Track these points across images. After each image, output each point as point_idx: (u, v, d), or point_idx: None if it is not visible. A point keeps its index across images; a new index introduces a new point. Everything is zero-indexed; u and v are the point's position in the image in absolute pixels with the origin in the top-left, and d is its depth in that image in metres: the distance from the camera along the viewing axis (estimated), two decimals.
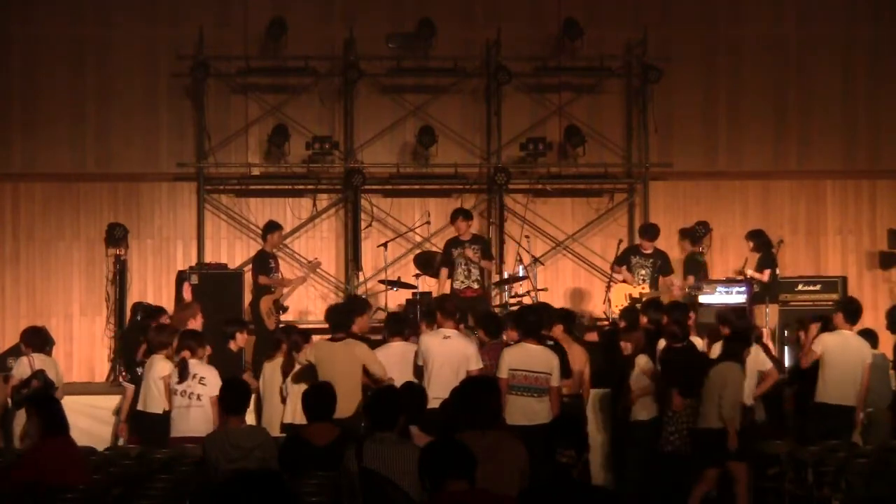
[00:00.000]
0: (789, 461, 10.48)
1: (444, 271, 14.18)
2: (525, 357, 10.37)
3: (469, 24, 16.52)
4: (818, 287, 15.02)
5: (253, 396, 10.87)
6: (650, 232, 14.78)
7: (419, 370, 10.84)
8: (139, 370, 11.44)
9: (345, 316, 11.13)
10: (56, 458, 7.85)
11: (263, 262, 14.38)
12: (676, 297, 13.88)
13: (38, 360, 11.58)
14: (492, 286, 15.40)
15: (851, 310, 11.88)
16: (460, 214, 14.32)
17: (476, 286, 14.06)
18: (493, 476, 5.53)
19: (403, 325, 11.61)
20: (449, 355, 10.54)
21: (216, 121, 16.13)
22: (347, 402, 9.87)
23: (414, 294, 14.28)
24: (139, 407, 11.06)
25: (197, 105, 16.09)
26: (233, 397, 8.66)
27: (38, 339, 11.86)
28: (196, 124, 16.13)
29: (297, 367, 10.87)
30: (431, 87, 16.43)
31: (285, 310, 14.43)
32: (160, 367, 10.94)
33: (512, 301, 14.41)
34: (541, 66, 16.38)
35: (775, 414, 11.89)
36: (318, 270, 15.50)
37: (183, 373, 10.66)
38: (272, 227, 14.73)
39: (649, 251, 14.53)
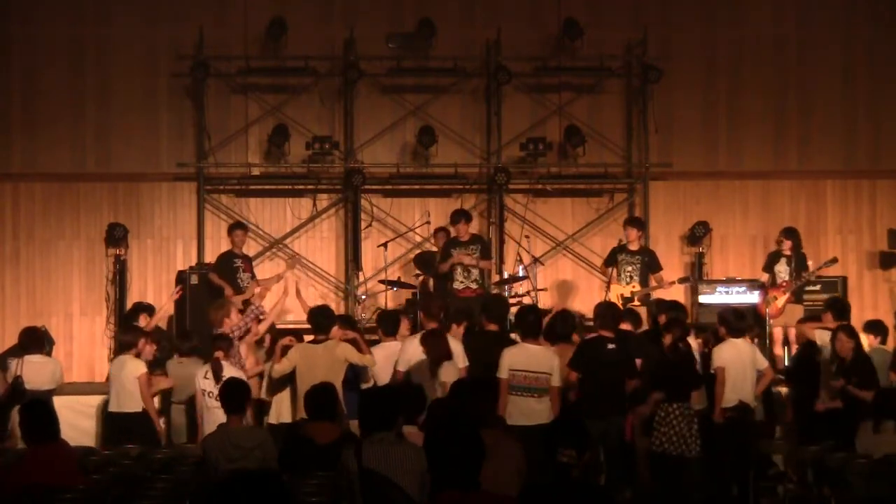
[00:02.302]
0: (789, 461, 10.49)
1: (443, 267, 14.16)
2: (525, 357, 10.37)
3: (469, 24, 16.53)
4: (818, 287, 15.01)
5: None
6: (634, 222, 14.75)
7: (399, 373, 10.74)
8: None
9: (326, 318, 11.09)
10: (44, 463, 7.85)
11: (225, 263, 14.23)
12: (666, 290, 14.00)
13: (30, 363, 11.51)
14: (492, 286, 15.41)
15: (839, 308, 11.95)
16: (462, 217, 14.21)
17: (475, 286, 13.99)
18: (491, 476, 5.50)
19: (397, 324, 11.54)
20: None
21: (216, 121, 16.14)
22: None
23: (414, 294, 14.27)
24: (112, 408, 11.03)
25: (197, 105, 16.10)
26: (232, 397, 8.67)
27: (30, 340, 11.80)
28: (196, 124, 16.14)
29: (279, 368, 10.78)
30: (431, 87, 16.43)
31: None
32: (133, 367, 10.95)
33: (512, 301, 14.40)
34: (541, 66, 16.39)
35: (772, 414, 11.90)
36: (296, 265, 15.33)
37: (217, 374, 10.61)
38: (232, 227, 14.62)
39: (635, 248, 14.46)
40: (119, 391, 11.03)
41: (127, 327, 11.93)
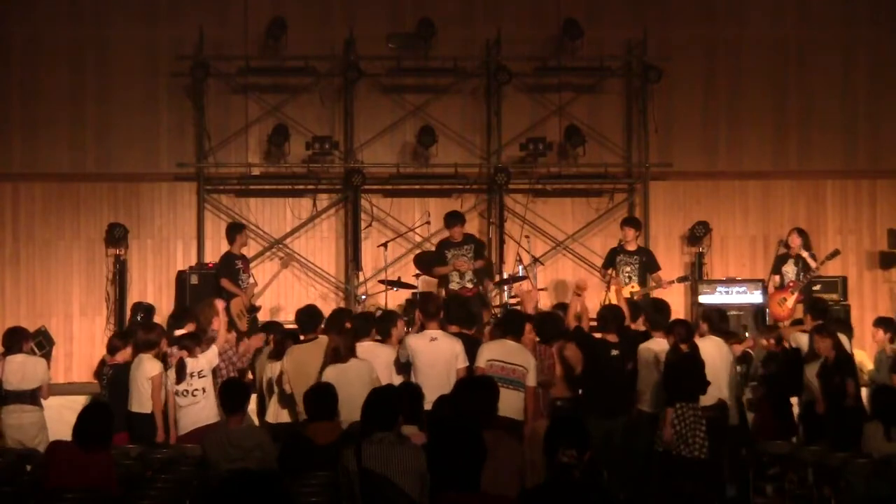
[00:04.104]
0: (789, 461, 10.49)
1: (440, 271, 14.24)
2: (502, 350, 10.51)
3: (469, 24, 16.52)
4: (818, 287, 15.00)
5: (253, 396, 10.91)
6: (631, 222, 14.82)
7: (404, 368, 10.76)
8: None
9: (311, 318, 11.08)
10: (62, 462, 7.90)
11: (228, 265, 14.25)
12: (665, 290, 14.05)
13: (10, 363, 11.44)
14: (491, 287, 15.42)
15: (818, 309, 12.01)
16: (458, 221, 14.28)
17: (471, 286, 14.09)
18: (491, 476, 5.50)
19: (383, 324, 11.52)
20: (438, 356, 10.50)
21: (216, 121, 16.14)
22: None
23: (414, 294, 14.28)
24: (132, 408, 11.00)
25: (197, 105, 16.09)
26: (231, 397, 8.67)
27: (11, 341, 11.71)
28: (196, 124, 16.13)
29: (287, 386, 10.75)
30: (431, 87, 16.42)
31: (257, 310, 14.42)
32: (148, 367, 10.91)
33: (512, 301, 14.42)
34: (541, 66, 16.38)
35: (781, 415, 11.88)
36: (291, 262, 15.40)
37: (181, 374, 10.64)
38: (237, 228, 14.65)
39: (633, 248, 14.53)
40: (132, 391, 10.97)
41: (150, 326, 11.88)
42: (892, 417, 9.82)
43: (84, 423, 8.06)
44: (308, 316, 11.08)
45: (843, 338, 12.02)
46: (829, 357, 11.11)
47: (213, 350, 10.90)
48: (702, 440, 10.46)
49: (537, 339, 11.11)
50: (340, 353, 10.11)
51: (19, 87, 16.18)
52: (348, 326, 10.96)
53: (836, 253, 14.47)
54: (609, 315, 11.38)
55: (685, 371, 10.66)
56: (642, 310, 12.13)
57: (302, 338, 10.95)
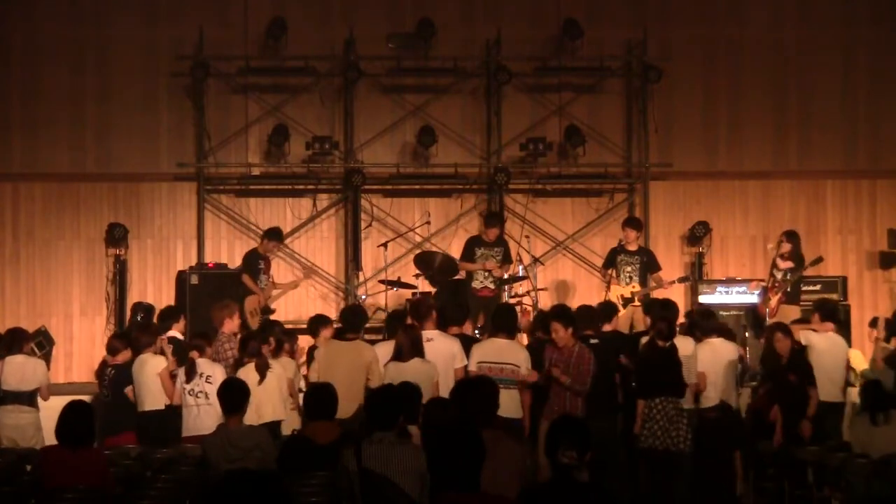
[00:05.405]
0: (789, 461, 10.50)
1: (469, 266, 14.37)
2: (492, 350, 10.52)
3: (469, 24, 16.52)
4: (818, 287, 15.00)
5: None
6: (632, 223, 14.85)
7: None
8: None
9: (359, 318, 11.18)
10: (54, 464, 7.90)
11: (253, 263, 14.44)
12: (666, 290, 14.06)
13: (10, 363, 11.43)
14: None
15: (828, 309, 12.05)
16: (498, 223, 14.52)
17: (493, 286, 14.29)
18: (490, 476, 5.50)
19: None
20: (435, 356, 10.51)
21: (216, 121, 16.14)
22: (348, 403, 9.83)
23: (414, 294, 14.29)
24: (144, 407, 11.00)
25: (197, 105, 16.09)
26: (230, 397, 8.67)
27: (12, 340, 11.66)
28: (196, 124, 16.14)
29: (314, 376, 10.78)
30: (431, 87, 16.42)
31: (272, 311, 14.46)
32: (154, 364, 10.96)
33: (512, 301, 14.42)
34: (541, 66, 16.39)
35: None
36: (311, 275, 15.60)
37: (191, 373, 10.69)
38: (275, 235, 14.78)
39: (634, 248, 14.55)
40: (141, 391, 10.99)
41: (145, 326, 11.92)
42: (878, 405, 9.93)
43: (65, 424, 8.09)
44: (353, 315, 11.21)
45: (837, 337, 12.05)
46: (785, 356, 11.12)
47: (222, 370, 10.92)
48: (684, 433, 10.47)
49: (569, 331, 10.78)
50: (402, 352, 10.17)
51: (19, 87, 16.18)
52: (408, 323, 10.99)
53: (818, 260, 14.48)
54: (584, 314, 11.39)
55: (660, 367, 10.65)
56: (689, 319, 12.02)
57: (340, 336, 11.09)
